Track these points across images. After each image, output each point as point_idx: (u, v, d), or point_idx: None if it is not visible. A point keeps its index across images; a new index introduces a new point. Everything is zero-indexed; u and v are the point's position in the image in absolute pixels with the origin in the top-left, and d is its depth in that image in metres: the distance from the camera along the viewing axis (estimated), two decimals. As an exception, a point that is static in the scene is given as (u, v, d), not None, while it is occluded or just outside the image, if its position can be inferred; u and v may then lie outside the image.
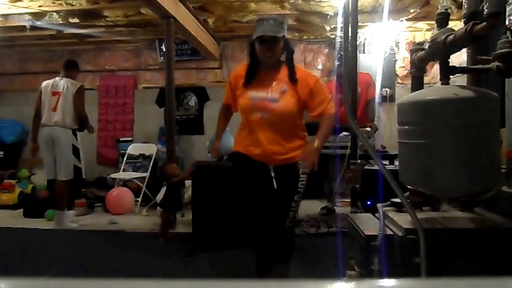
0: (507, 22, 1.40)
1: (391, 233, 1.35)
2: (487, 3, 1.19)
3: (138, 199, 4.90)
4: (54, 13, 4.78)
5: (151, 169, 5.31)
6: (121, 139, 6.16)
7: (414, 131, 1.36)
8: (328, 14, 4.83)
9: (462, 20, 1.35)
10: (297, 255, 3.10)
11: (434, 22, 1.46)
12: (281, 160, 2.07)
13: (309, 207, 4.12)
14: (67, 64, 4.32)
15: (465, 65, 1.72)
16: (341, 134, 3.60)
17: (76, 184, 4.25)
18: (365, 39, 5.52)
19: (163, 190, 4.50)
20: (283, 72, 2.10)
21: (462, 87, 1.35)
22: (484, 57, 1.46)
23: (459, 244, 1.29)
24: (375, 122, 4.45)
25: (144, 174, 5.20)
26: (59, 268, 2.87)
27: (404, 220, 1.36)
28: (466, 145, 1.27)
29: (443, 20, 1.41)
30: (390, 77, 5.37)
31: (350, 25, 2.73)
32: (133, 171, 5.54)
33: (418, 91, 1.49)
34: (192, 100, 6.34)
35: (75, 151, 4.15)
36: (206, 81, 6.37)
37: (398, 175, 1.41)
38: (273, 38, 2.00)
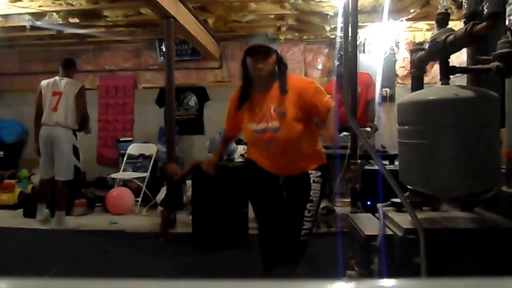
0: (507, 22, 1.40)
1: (391, 233, 1.35)
2: (487, 3, 1.19)
3: (138, 199, 4.90)
4: (54, 13, 4.78)
5: (151, 169, 5.31)
6: (121, 139, 6.16)
7: (414, 131, 1.36)
8: (328, 14, 4.83)
9: (462, 20, 1.35)
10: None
11: (434, 22, 1.46)
12: (292, 171, 2.05)
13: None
14: (65, 63, 4.31)
15: (465, 65, 1.72)
16: (341, 134, 3.60)
17: (75, 184, 4.25)
18: (365, 39, 5.51)
19: (163, 190, 4.50)
20: (278, 91, 1.99)
21: (462, 87, 1.35)
22: (484, 57, 1.46)
23: (459, 244, 1.29)
24: (375, 122, 4.45)
25: (144, 174, 5.20)
26: (59, 268, 2.87)
27: (404, 220, 1.36)
28: (466, 145, 1.27)
29: (443, 20, 1.41)
30: (390, 77, 5.37)
31: (350, 25, 2.72)
32: (133, 171, 5.54)
33: (418, 91, 1.49)
34: (192, 100, 6.34)
35: (75, 151, 4.15)
36: (206, 81, 6.37)
37: (398, 175, 1.41)
38: (265, 49, 1.92)
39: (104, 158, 6.44)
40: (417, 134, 1.34)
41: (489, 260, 1.28)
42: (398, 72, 5.74)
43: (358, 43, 4.26)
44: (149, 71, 6.52)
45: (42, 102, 4.15)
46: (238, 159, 3.96)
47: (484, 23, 1.20)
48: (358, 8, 4.01)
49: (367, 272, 1.37)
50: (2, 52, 6.35)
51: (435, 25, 1.44)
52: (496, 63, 1.29)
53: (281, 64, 2.01)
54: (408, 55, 5.10)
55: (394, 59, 5.55)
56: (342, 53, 4.50)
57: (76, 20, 4.97)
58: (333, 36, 5.72)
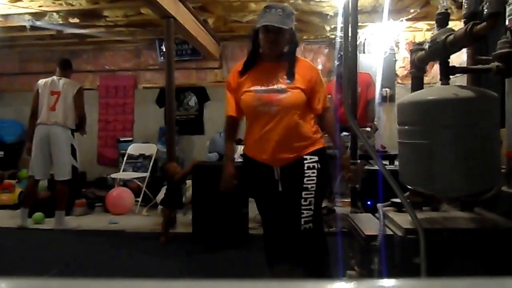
0: (507, 22, 1.40)
1: (391, 233, 1.35)
2: (487, 3, 1.19)
3: (138, 199, 4.90)
4: (54, 13, 4.79)
5: (151, 169, 5.31)
6: (121, 139, 6.17)
7: (414, 131, 1.36)
8: (328, 14, 4.83)
9: (462, 20, 1.35)
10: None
11: (434, 22, 1.46)
12: (287, 159, 1.98)
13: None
14: (62, 63, 4.29)
15: (465, 65, 1.72)
16: (341, 134, 3.60)
17: (73, 184, 4.24)
18: (365, 39, 5.51)
19: (163, 190, 4.50)
20: (285, 66, 1.99)
21: (462, 87, 1.35)
22: (484, 57, 1.46)
23: (459, 244, 1.29)
24: (375, 122, 4.45)
25: (144, 174, 5.20)
26: (59, 268, 2.87)
27: (404, 220, 1.36)
28: (466, 145, 1.27)
29: (443, 20, 1.41)
30: (390, 77, 5.37)
31: (350, 25, 2.72)
32: (133, 171, 5.54)
33: (418, 91, 1.49)
34: (192, 100, 6.34)
35: (73, 151, 4.15)
36: (206, 81, 6.37)
37: (398, 175, 1.41)
38: (279, 29, 1.87)
39: (104, 158, 6.44)
40: (417, 134, 1.34)
41: (489, 260, 1.28)
42: (398, 72, 5.74)
43: (358, 43, 4.26)
44: (149, 71, 6.53)
45: (38, 101, 4.11)
46: (238, 159, 3.95)
47: (484, 23, 1.20)
48: (358, 8, 4.01)
49: (367, 272, 1.37)
50: (2, 52, 6.35)
51: (435, 25, 1.44)
52: (496, 63, 1.29)
53: (293, 42, 1.99)
54: (408, 55, 5.10)
55: (394, 59, 5.55)
56: (342, 53, 4.49)
57: (76, 20, 4.98)
58: (333, 36, 5.72)
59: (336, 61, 5.27)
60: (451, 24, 1.42)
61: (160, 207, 4.43)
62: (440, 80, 1.40)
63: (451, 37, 1.31)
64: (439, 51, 1.37)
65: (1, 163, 6.00)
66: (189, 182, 3.83)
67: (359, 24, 4.38)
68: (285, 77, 1.95)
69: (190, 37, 4.75)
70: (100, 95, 6.53)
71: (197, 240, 3.48)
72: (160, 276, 2.73)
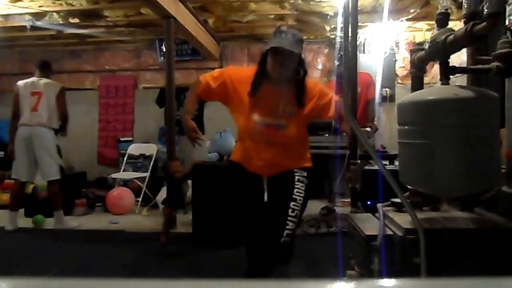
0: (507, 22, 1.40)
1: (391, 233, 1.35)
2: (487, 3, 1.19)
3: (138, 199, 4.91)
4: (54, 13, 4.79)
5: (151, 169, 5.31)
6: (121, 139, 6.17)
7: (414, 131, 1.36)
8: (328, 14, 4.84)
9: (462, 20, 1.35)
10: (297, 255, 3.10)
11: (434, 22, 1.46)
12: (277, 171, 1.98)
13: (309, 207, 4.12)
14: (41, 65, 4.24)
15: (465, 65, 1.72)
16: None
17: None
18: (365, 39, 5.52)
19: (163, 190, 4.50)
20: (292, 92, 1.93)
21: (462, 87, 1.35)
22: (484, 57, 1.46)
23: (459, 244, 1.29)
24: (375, 122, 4.45)
25: (144, 174, 5.20)
26: (59, 268, 2.87)
27: (404, 220, 1.36)
28: (466, 145, 1.27)
29: (443, 20, 1.41)
30: (390, 77, 5.37)
31: (350, 25, 2.73)
32: (134, 171, 5.55)
33: (418, 91, 1.49)
34: (192, 100, 6.33)
35: (58, 151, 4.13)
36: (206, 81, 6.36)
37: (398, 175, 1.41)
38: (289, 52, 1.82)
39: (105, 158, 6.44)
40: (417, 134, 1.34)
41: (489, 260, 1.28)
42: (398, 72, 5.74)
43: (358, 43, 4.26)
44: (149, 71, 6.53)
45: (19, 103, 4.04)
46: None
47: (484, 23, 1.20)
48: (358, 8, 4.01)
49: (367, 272, 1.37)
50: (2, 52, 6.35)
51: (435, 25, 1.44)
52: (496, 63, 1.29)
53: (302, 68, 1.93)
54: (408, 55, 5.10)
55: (394, 59, 5.55)
56: (342, 53, 4.50)
57: (76, 20, 4.98)
58: (333, 36, 5.72)
59: (336, 61, 5.27)
60: (451, 24, 1.42)
61: (161, 206, 4.44)
62: (440, 80, 1.40)
63: (451, 37, 1.31)
64: (439, 51, 1.37)
65: (1, 163, 5.99)
66: (189, 182, 3.84)
67: (359, 24, 4.39)
68: (289, 107, 1.91)
69: (190, 37, 4.75)
70: (100, 95, 6.53)
71: (197, 240, 3.48)
72: (160, 276, 2.73)
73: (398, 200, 1.41)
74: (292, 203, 1.89)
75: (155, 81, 6.44)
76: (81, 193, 4.92)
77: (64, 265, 2.99)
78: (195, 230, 3.53)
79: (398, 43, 5.66)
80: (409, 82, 1.79)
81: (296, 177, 1.94)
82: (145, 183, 5.04)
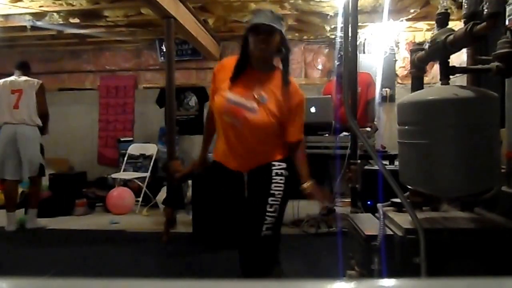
0: (507, 22, 1.40)
1: (391, 233, 1.35)
2: (487, 3, 1.19)
3: (138, 199, 4.91)
4: (55, 13, 4.79)
5: (151, 169, 5.31)
6: (121, 139, 6.17)
7: (414, 131, 1.37)
8: (328, 14, 4.84)
9: (462, 20, 1.35)
10: (297, 255, 3.11)
11: (434, 22, 1.46)
12: (256, 164, 1.94)
13: (309, 207, 4.12)
14: (20, 65, 4.23)
15: (465, 65, 1.72)
16: (341, 134, 3.61)
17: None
18: (365, 39, 5.52)
19: (163, 190, 4.50)
20: (275, 77, 1.91)
21: (462, 87, 1.35)
22: (484, 57, 1.46)
23: (459, 244, 1.29)
24: (375, 122, 4.45)
25: (144, 174, 5.21)
26: (59, 268, 2.87)
27: (404, 220, 1.36)
28: (466, 145, 1.27)
29: (443, 20, 1.41)
30: (390, 77, 5.37)
31: (350, 25, 2.73)
32: (134, 171, 5.55)
33: (418, 91, 1.49)
34: (192, 100, 6.35)
35: (41, 149, 4.13)
36: (206, 81, 6.36)
37: (398, 175, 1.41)
38: (269, 28, 1.80)
39: (105, 158, 6.45)
40: (417, 134, 1.34)
41: (489, 260, 1.28)
42: (398, 72, 5.74)
43: (358, 43, 4.26)
44: (149, 71, 6.53)
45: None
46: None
47: (484, 23, 1.20)
48: (358, 8, 4.01)
49: (367, 272, 1.37)
50: (3, 52, 6.35)
51: (435, 25, 1.44)
52: (496, 63, 1.29)
53: (284, 46, 1.91)
54: (408, 55, 5.10)
55: (394, 59, 5.56)
56: (342, 53, 4.49)
57: (76, 20, 4.98)
58: (333, 36, 5.72)
59: (336, 61, 5.26)
60: (451, 24, 1.42)
61: (162, 206, 4.44)
62: (440, 80, 1.40)
63: (451, 37, 1.31)
64: (439, 51, 1.38)
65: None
66: (189, 182, 3.84)
67: (359, 24, 4.39)
68: (263, 92, 1.87)
69: (190, 37, 4.76)
70: (101, 95, 6.54)
71: (197, 240, 3.48)
72: (160, 276, 2.73)
73: (398, 200, 1.41)
74: (270, 198, 1.86)
75: (155, 81, 6.44)
76: (81, 193, 4.92)
77: (64, 265, 2.99)
78: (195, 230, 3.53)
79: (398, 43, 5.66)
80: (409, 82, 1.80)
81: (274, 171, 1.90)
82: (145, 183, 5.04)
